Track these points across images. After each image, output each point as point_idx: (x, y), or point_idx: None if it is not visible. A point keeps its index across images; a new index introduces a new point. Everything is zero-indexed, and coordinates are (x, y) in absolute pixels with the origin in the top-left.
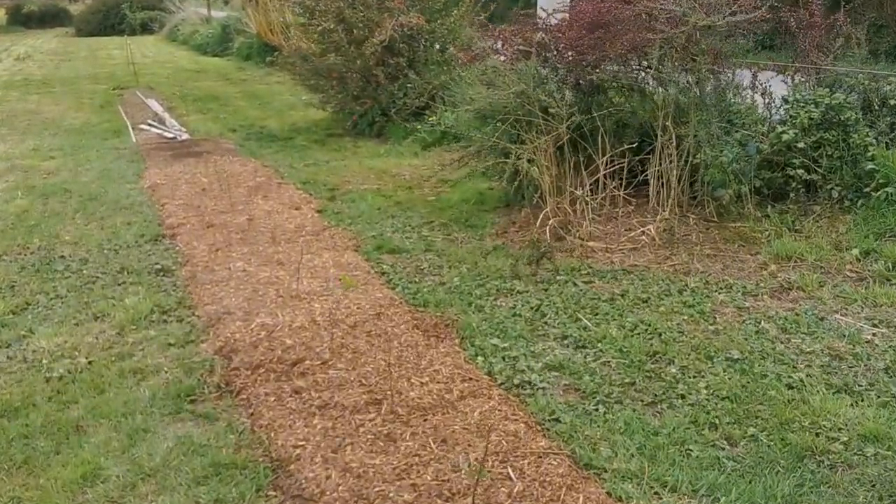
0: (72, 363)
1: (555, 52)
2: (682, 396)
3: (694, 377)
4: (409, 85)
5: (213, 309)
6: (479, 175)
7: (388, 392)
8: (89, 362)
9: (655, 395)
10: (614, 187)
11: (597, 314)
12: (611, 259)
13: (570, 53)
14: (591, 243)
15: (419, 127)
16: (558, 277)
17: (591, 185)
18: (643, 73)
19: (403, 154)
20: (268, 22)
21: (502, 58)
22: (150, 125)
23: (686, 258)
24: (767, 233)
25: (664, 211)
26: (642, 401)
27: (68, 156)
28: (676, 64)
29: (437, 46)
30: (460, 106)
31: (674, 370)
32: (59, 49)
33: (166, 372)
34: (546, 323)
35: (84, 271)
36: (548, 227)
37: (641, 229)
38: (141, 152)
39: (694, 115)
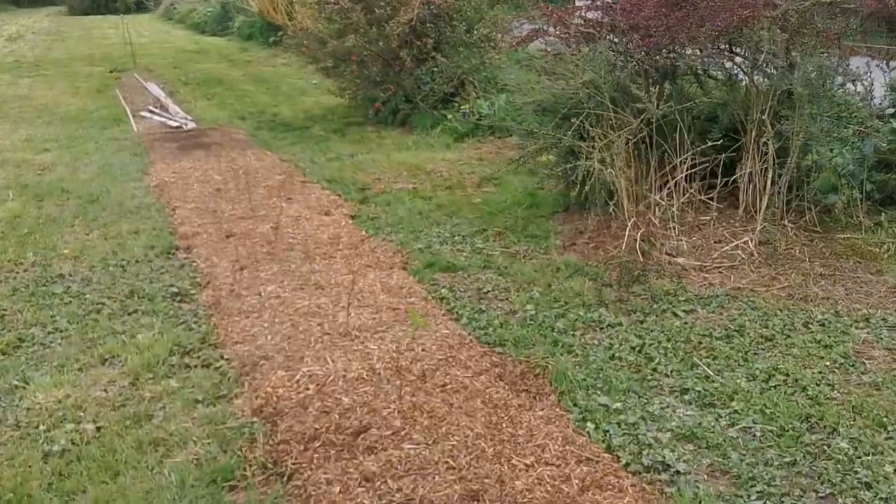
0: (76, 430)
1: (625, 35)
2: (868, 486)
3: (873, 455)
4: (435, 69)
5: (246, 350)
6: (523, 172)
7: (487, 480)
8: (98, 428)
9: (833, 484)
10: (695, 191)
11: (715, 357)
12: (707, 280)
13: (639, 36)
14: (680, 260)
15: (449, 116)
16: (653, 305)
17: (669, 188)
18: (731, 60)
19: (434, 146)
20: (271, 0)
21: (552, 41)
22: (151, 112)
23: (797, 279)
24: (885, 246)
25: (757, 219)
26: (817, 491)
27: (64, 148)
28: (784, 48)
29: (464, 27)
30: (516, 96)
31: (843, 445)
32: (51, 28)
33: (195, 443)
34: (656, 370)
35: (87, 296)
36: (626, 239)
37: (735, 242)
38: (144, 144)
39: (807, 108)
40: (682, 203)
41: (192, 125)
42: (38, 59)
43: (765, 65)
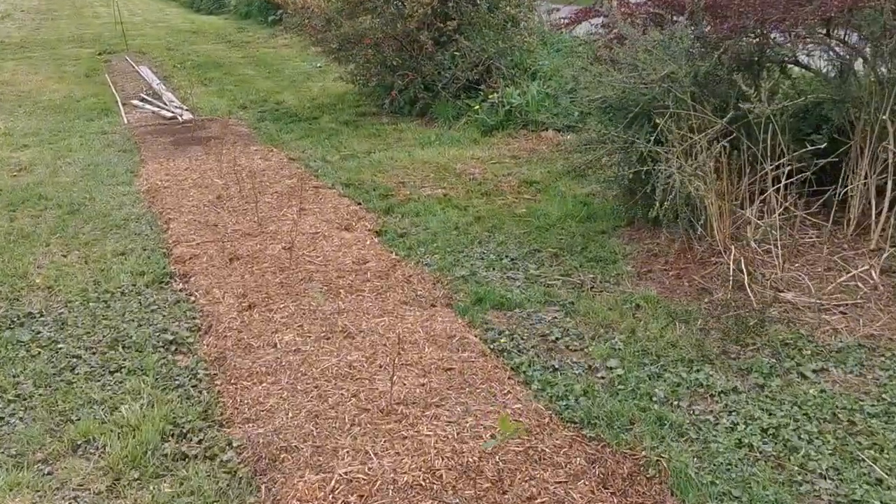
0: None
1: (698, 16)
2: None
3: None
4: (457, 53)
5: (260, 433)
6: (568, 175)
7: None
8: None
9: None
10: (791, 205)
11: (881, 448)
12: (829, 324)
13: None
14: (789, 296)
15: (474, 106)
16: (770, 360)
17: (761, 202)
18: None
19: (460, 142)
20: None
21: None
22: (143, 100)
23: None
24: None
25: (871, 240)
26: None
27: (45, 144)
28: None
29: (486, 5)
30: (580, 92)
31: None
32: (41, 7)
33: None
34: (804, 467)
35: (60, 345)
36: (718, 268)
37: (852, 272)
38: (134, 138)
39: None
40: (780, 220)
41: (187, 115)
42: (25, 40)
43: (888, 53)
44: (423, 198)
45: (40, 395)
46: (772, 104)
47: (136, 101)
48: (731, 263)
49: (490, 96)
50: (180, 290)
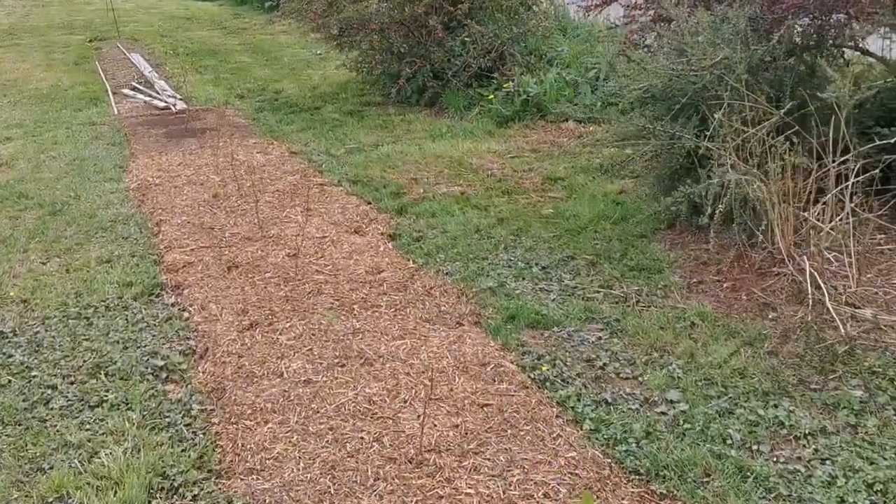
0: None
1: None
2: None
3: None
4: (468, 39)
5: (267, 491)
6: (597, 171)
7: None
8: None
9: None
10: (858, 207)
11: None
12: None
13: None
14: (867, 313)
15: (489, 96)
16: (860, 393)
17: (823, 203)
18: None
19: (474, 134)
20: None
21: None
22: (135, 89)
23: None
24: None
25: None
26: None
27: (30, 136)
28: None
29: None
30: (621, 80)
31: None
32: None
33: None
34: None
35: (34, 374)
36: (784, 279)
37: None
38: (124, 129)
39: None
40: (844, 224)
41: (181, 105)
42: (14, 27)
43: None
44: (438, 196)
45: (8, 436)
46: (856, 92)
47: (126, 91)
48: (801, 275)
49: (504, 85)
50: (172, 305)
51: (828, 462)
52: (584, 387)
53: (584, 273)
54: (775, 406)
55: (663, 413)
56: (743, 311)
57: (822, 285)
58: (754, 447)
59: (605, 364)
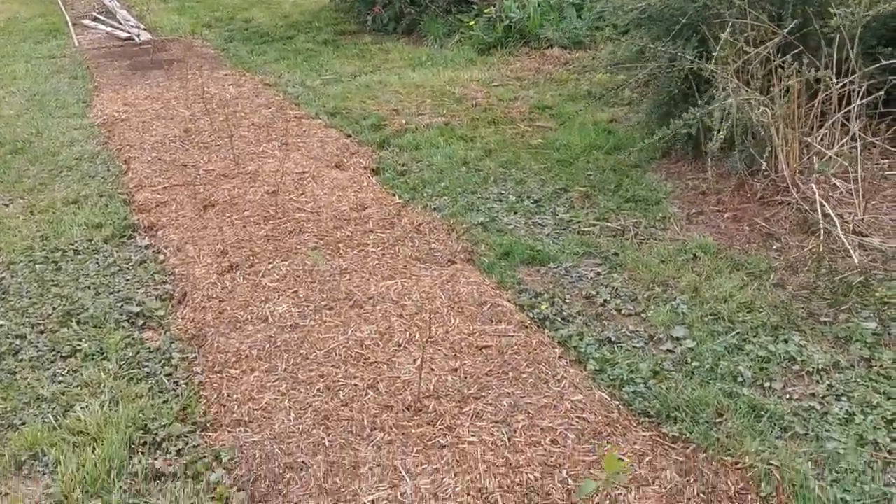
0: None
1: None
2: None
3: None
4: None
5: (257, 444)
6: (583, 97)
7: None
8: None
9: None
10: (863, 131)
11: None
12: None
13: None
14: (875, 241)
15: (470, 22)
16: (873, 325)
17: (827, 128)
18: None
19: (455, 62)
20: None
21: None
22: (96, 19)
23: None
24: None
25: None
26: None
27: None
28: None
29: None
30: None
31: None
32: None
33: None
34: None
35: (0, 323)
36: (789, 209)
37: None
38: (87, 62)
39: None
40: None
41: (145, 36)
42: None
43: None
44: (421, 128)
45: None
46: (874, 4)
47: (87, 21)
48: (806, 203)
49: (485, 11)
50: (146, 247)
51: (843, 398)
52: (585, 325)
53: (578, 206)
54: (785, 341)
55: (670, 351)
56: (746, 242)
57: (831, 213)
58: (766, 384)
59: (605, 301)
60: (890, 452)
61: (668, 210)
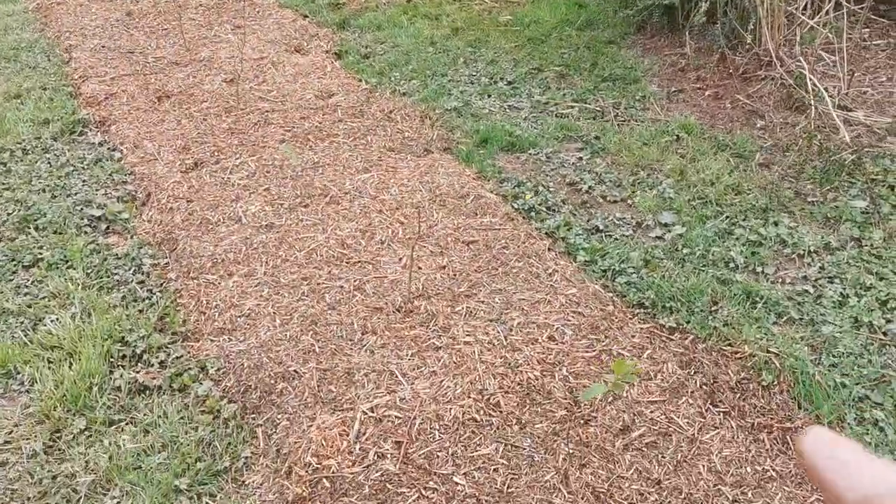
0: None
1: None
2: None
3: None
4: None
5: (243, 353)
6: None
7: None
8: None
9: None
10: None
11: None
12: None
13: None
14: (860, 115)
15: None
16: (859, 203)
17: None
18: None
19: None
20: None
21: None
22: None
23: None
24: None
25: None
26: None
27: None
28: None
29: None
30: None
31: None
32: None
33: None
34: None
35: None
36: (772, 84)
37: None
38: None
39: None
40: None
41: None
42: None
43: None
44: (382, 6)
45: None
46: None
47: None
48: (790, 78)
49: None
50: (100, 144)
51: (836, 280)
52: (572, 215)
53: (553, 87)
54: (775, 223)
55: (659, 238)
56: (729, 121)
57: (820, 87)
58: (759, 269)
59: (590, 187)
60: (885, 334)
61: (647, 89)
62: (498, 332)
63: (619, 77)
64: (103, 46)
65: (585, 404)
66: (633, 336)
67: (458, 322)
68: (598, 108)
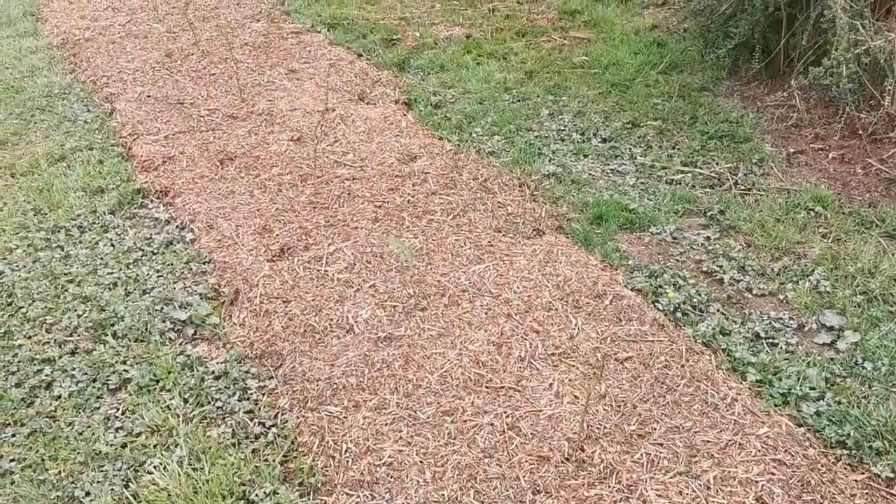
0: None
1: None
2: None
3: None
4: None
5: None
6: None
7: None
8: None
9: None
10: None
11: None
12: None
13: None
14: None
15: None
16: None
17: None
18: None
19: None
20: None
21: None
22: None
23: None
24: None
25: None
26: None
27: None
28: None
29: None
30: None
31: None
32: None
33: None
34: None
35: (19, 344)
36: None
37: None
38: None
39: None
40: None
41: None
42: None
43: None
44: (440, 42)
45: (13, 443)
46: None
47: None
48: None
49: None
50: (167, 222)
51: None
52: (723, 316)
53: (655, 146)
54: None
55: (829, 346)
56: (866, 191)
57: None
58: None
59: (733, 279)
60: None
61: (762, 150)
62: (691, 489)
63: (725, 134)
64: (148, 96)
65: None
66: (850, 493)
67: (641, 475)
68: (713, 174)
